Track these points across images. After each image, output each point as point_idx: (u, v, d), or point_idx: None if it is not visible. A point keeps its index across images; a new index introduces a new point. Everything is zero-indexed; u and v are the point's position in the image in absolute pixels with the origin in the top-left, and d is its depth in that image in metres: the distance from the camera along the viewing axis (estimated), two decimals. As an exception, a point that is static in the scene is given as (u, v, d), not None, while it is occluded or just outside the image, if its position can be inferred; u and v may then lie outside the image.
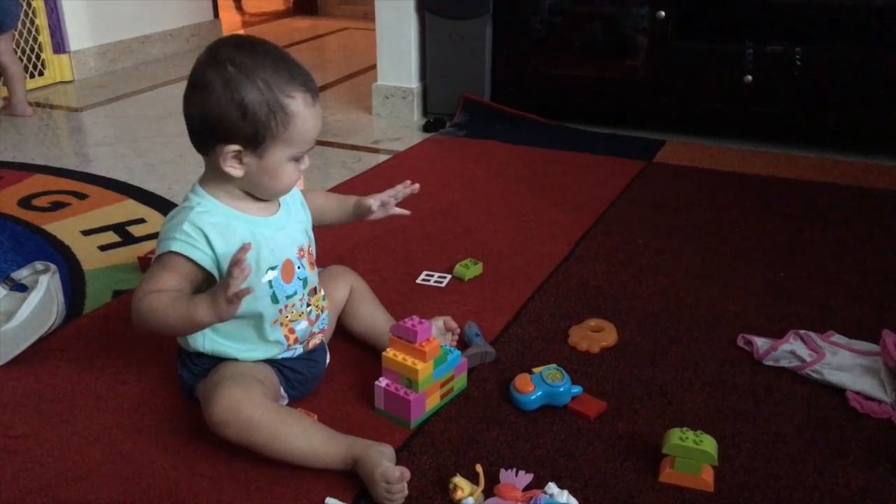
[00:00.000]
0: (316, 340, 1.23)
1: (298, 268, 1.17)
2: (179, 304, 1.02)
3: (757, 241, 1.81)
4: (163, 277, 1.06)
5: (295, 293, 1.16)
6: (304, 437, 1.06)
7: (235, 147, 1.06)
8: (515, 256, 1.73)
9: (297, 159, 1.10)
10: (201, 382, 1.15)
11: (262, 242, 1.11)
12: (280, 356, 1.18)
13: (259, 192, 1.13)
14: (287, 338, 1.17)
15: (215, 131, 1.05)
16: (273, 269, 1.12)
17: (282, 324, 1.16)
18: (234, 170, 1.08)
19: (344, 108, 3.05)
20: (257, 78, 1.03)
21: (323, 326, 1.25)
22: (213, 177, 1.12)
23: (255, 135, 1.05)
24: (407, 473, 1.01)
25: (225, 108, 1.03)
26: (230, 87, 1.02)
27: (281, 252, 1.14)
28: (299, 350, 1.20)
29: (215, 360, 1.15)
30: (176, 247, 1.06)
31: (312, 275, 1.21)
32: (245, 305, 1.02)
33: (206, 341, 1.14)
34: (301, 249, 1.18)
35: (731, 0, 2.49)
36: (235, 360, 1.15)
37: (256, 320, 1.14)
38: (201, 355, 1.16)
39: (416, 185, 1.33)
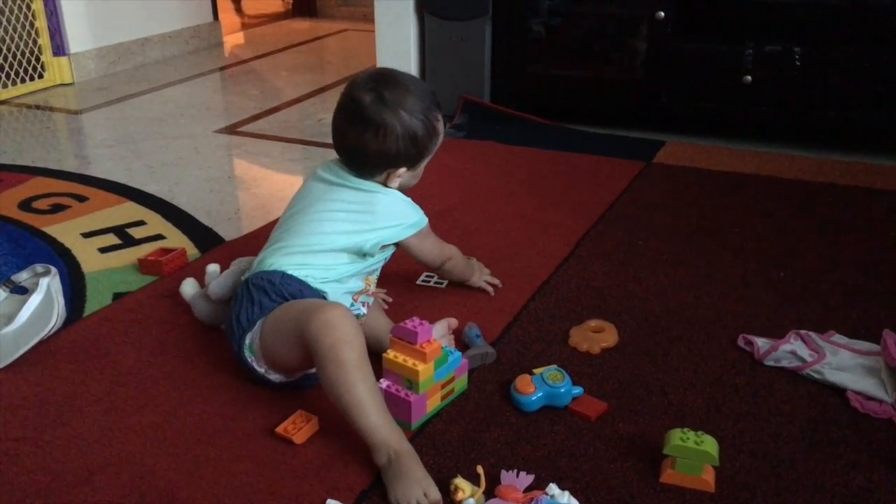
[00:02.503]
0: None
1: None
2: (465, 262, 1.54)
3: (757, 241, 1.81)
4: (436, 236, 1.44)
5: (375, 271, 1.38)
6: (371, 390, 1.11)
7: (403, 169, 1.31)
8: (515, 257, 1.73)
9: None
10: (272, 314, 1.21)
11: None
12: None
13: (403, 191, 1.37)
14: (353, 303, 1.33)
15: (391, 161, 1.29)
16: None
17: (354, 299, 1.34)
18: (394, 183, 1.33)
19: (343, 109, 3.05)
20: (420, 113, 1.28)
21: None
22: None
23: (419, 156, 1.32)
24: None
25: (402, 143, 1.28)
26: (406, 126, 1.27)
27: None
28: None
29: (292, 297, 1.23)
30: (425, 217, 1.37)
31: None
32: (375, 260, 1.33)
33: (330, 271, 1.28)
34: None
35: (731, 0, 2.49)
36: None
37: (357, 278, 1.33)
38: (288, 286, 1.24)
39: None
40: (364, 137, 1.27)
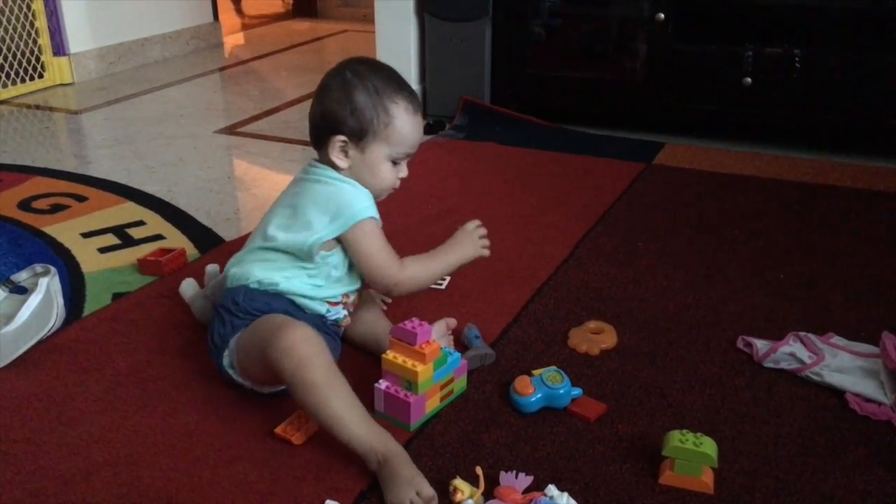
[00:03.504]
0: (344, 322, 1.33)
1: None
2: (437, 256, 1.30)
3: (756, 243, 1.81)
4: (386, 243, 1.26)
5: (350, 284, 1.30)
6: (345, 402, 1.09)
7: (342, 138, 1.22)
8: (515, 258, 1.73)
9: (395, 162, 1.26)
10: (242, 334, 1.20)
11: None
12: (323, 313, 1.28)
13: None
14: (330, 308, 1.28)
15: (329, 123, 1.23)
16: None
17: (331, 302, 1.28)
18: (340, 160, 1.24)
19: (343, 110, 3.04)
20: (369, 83, 1.22)
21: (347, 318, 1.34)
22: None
23: (360, 130, 1.22)
24: (436, 501, 1.03)
25: (338, 104, 1.21)
26: (345, 87, 1.22)
27: None
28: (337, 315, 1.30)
29: (260, 313, 1.21)
30: (374, 213, 1.24)
31: None
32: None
33: (291, 282, 1.24)
34: None
35: (731, 2, 2.49)
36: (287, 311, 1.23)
37: (329, 287, 1.26)
38: (252, 303, 1.22)
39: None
40: (314, 101, 1.26)
